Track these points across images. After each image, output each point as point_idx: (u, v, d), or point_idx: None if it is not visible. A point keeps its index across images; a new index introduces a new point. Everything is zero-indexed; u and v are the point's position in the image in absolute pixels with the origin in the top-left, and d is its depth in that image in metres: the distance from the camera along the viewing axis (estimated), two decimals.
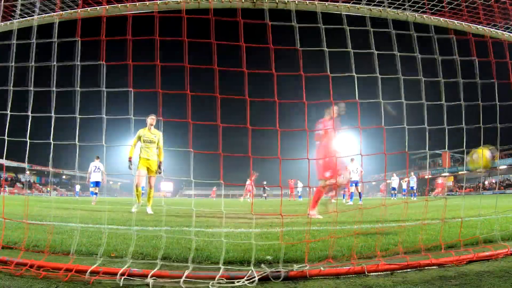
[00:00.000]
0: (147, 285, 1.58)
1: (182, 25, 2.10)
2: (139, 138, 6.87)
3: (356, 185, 13.51)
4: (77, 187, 42.27)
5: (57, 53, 2.17)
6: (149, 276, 1.64)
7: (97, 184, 12.05)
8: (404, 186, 22.36)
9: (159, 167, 6.90)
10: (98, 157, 12.27)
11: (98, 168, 11.95)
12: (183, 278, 1.62)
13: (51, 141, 2.10)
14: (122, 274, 1.66)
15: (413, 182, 22.66)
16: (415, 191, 22.73)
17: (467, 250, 2.11)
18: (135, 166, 6.78)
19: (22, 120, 2.20)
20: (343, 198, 15.19)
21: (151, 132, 6.94)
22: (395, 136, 2.40)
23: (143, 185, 8.34)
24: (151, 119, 6.87)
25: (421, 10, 2.63)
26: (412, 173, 24.44)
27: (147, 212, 6.34)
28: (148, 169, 6.84)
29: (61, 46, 2.21)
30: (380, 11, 2.55)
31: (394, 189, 22.16)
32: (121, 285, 1.58)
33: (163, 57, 2.07)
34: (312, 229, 3.59)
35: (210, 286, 1.58)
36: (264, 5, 2.33)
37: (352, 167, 13.37)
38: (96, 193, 12.11)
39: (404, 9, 2.57)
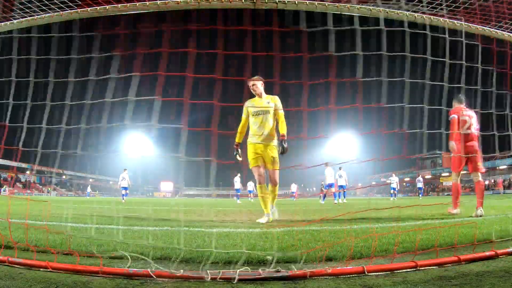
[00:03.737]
0: (148, 285, 1.58)
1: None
2: (248, 113, 4.82)
3: (342, 188, 16.52)
4: (88, 188, 43.88)
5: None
6: (151, 276, 1.64)
7: (125, 188, 17.97)
8: (392, 186, 22.56)
9: (281, 146, 4.58)
10: (125, 170, 18.42)
11: (124, 178, 18.02)
12: (183, 278, 1.62)
13: (25, 124, 2.08)
14: (122, 274, 1.66)
15: (420, 184, 24.46)
16: (421, 191, 24.45)
17: (467, 250, 2.11)
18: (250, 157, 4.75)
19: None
20: (335, 198, 17.17)
21: (262, 98, 4.83)
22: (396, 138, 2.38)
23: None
24: (251, 83, 4.78)
25: (421, 11, 2.63)
26: (420, 175, 25.91)
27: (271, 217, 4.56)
28: (262, 158, 4.74)
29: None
30: (380, 11, 2.55)
31: (394, 189, 22.27)
32: (121, 285, 1.58)
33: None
34: (312, 229, 3.59)
35: (210, 286, 1.58)
36: (264, 5, 2.33)
37: (341, 173, 16.50)
38: (124, 195, 17.73)
39: (413, 10, 2.57)
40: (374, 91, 2.36)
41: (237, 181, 21.40)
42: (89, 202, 14.16)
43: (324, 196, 16.21)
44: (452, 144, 5.30)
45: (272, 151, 4.74)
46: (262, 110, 4.73)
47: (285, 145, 4.57)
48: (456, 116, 5.23)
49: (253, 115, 4.79)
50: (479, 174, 5.19)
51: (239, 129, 4.87)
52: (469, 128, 5.23)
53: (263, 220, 4.51)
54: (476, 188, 5.19)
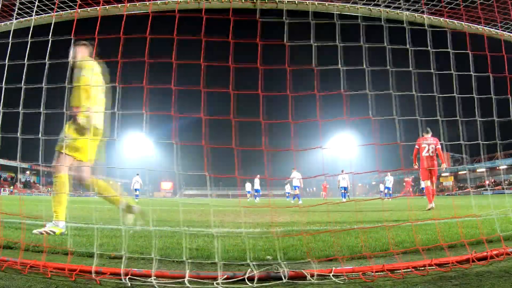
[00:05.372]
0: (147, 285, 1.58)
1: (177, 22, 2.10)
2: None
3: (345, 189, 18.90)
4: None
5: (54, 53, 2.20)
6: (152, 276, 1.64)
7: (137, 190, 21.39)
8: (386, 185, 22.84)
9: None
10: (138, 174, 21.66)
11: (137, 181, 21.56)
12: (184, 278, 1.62)
13: (40, 136, 2.10)
14: (122, 274, 1.66)
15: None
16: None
17: (467, 250, 2.10)
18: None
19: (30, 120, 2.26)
20: (293, 198, 18.56)
21: None
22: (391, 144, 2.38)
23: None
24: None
25: (421, 10, 2.63)
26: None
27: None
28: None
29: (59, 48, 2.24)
30: (381, 11, 2.55)
31: (388, 188, 22.44)
32: (121, 285, 1.58)
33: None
34: (312, 229, 3.59)
35: (209, 286, 1.58)
36: (264, 5, 2.33)
37: (343, 176, 18.67)
38: (137, 195, 20.44)
39: (406, 9, 2.57)
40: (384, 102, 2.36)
41: (256, 182, 23.18)
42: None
43: (294, 197, 18.21)
44: (414, 165, 8.20)
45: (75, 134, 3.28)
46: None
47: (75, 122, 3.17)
48: (417, 147, 7.84)
49: None
50: (433, 182, 7.91)
51: None
52: (427, 152, 7.75)
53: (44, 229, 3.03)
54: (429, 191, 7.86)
